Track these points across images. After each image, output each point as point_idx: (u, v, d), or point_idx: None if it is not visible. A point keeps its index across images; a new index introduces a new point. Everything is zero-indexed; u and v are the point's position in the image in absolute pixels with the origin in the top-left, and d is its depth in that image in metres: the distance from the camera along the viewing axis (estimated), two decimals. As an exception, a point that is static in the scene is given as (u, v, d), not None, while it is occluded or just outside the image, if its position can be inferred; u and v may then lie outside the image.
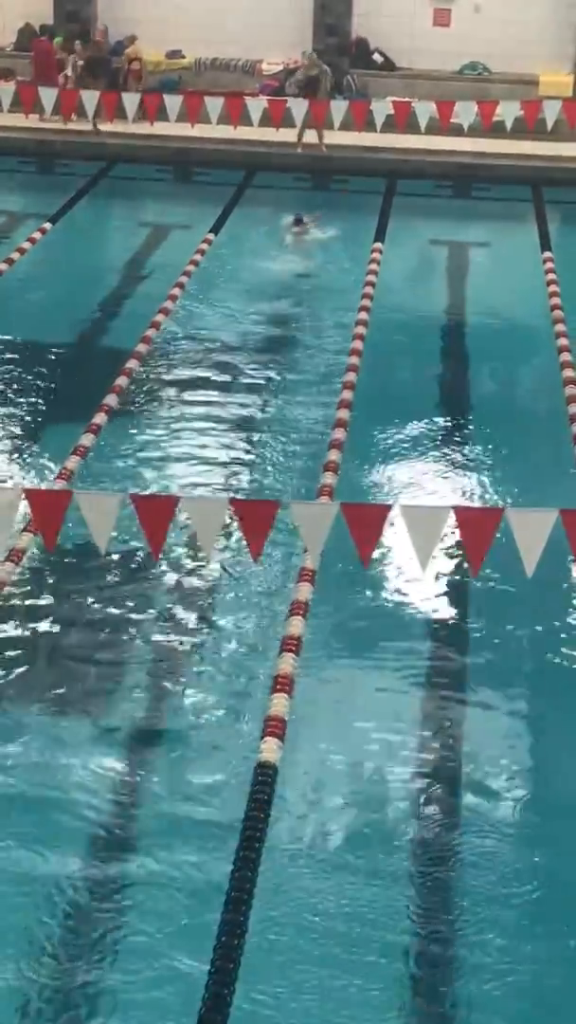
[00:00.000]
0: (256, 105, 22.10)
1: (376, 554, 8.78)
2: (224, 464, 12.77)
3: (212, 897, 7.32)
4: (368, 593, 10.48)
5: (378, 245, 19.20)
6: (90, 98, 22.67)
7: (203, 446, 13.16)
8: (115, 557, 10.61)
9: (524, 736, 9.11)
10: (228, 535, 10.22)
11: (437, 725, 9.16)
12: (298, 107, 22.28)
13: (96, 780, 8.48)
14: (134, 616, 10.26)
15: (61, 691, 9.36)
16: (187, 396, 14.33)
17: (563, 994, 7.09)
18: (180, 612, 10.30)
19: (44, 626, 10.08)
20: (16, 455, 12.85)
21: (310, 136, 23.43)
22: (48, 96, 22.84)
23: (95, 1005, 6.91)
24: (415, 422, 13.76)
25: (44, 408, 14.01)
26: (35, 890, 7.57)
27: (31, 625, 10.07)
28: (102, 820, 8.17)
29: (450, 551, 10.58)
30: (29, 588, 10.48)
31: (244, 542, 8.70)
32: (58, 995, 6.94)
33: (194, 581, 10.65)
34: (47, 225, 20.11)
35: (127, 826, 8.18)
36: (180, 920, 7.41)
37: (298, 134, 23.38)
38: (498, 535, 8.41)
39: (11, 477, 12.29)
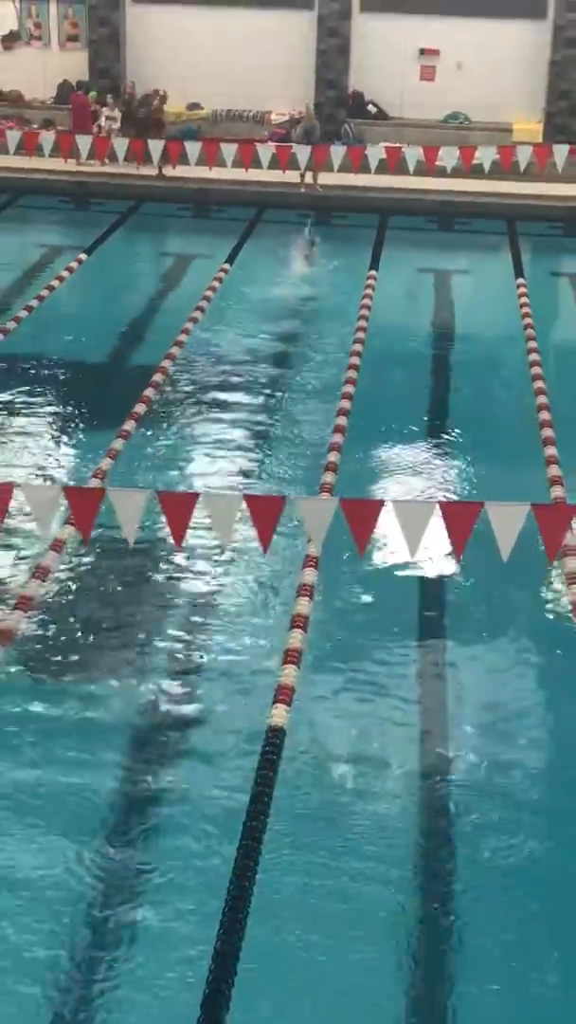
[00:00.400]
0: (265, 150, 22.10)
1: (371, 543, 8.74)
2: (238, 465, 12.75)
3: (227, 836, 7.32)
4: (365, 577, 10.47)
5: (373, 273, 19.16)
6: (121, 145, 22.65)
7: (219, 449, 13.14)
8: (142, 546, 10.59)
9: (503, 690, 9.13)
10: (242, 526, 10.20)
11: (426, 685, 9.17)
12: (302, 152, 22.27)
13: (123, 738, 8.49)
14: (158, 597, 10.25)
15: (96, 658, 9.35)
16: (205, 405, 14.31)
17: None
18: (199, 594, 10.29)
19: (81, 605, 10.07)
20: (56, 457, 12.85)
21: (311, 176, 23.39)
22: (84, 143, 22.84)
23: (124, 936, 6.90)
24: (405, 427, 13.74)
25: (80, 416, 13.99)
26: (57, 851, 7.51)
27: (71, 604, 10.06)
28: (117, 777, 8.16)
29: (436, 540, 10.56)
30: (69, 573, 10.47)
31: (255, 532, 8.68)
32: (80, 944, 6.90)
33: (211, 566, 10.64)
34: (83, 256, 20.08)
35: (148, 779, 8.17)
36: (196, 860, 7.39)
37: (301, 175, 23.35)
38: (478, 526, 8.40)
39: (52, 476, 12.28)
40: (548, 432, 12.89)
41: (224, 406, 14.31)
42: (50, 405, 14.24)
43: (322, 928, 6.99)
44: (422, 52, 26.68)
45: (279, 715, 8.21)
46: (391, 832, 7.71)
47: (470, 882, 7.37)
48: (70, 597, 10.17)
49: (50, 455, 12.90)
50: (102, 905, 7.11)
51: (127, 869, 7.37)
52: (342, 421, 13.13)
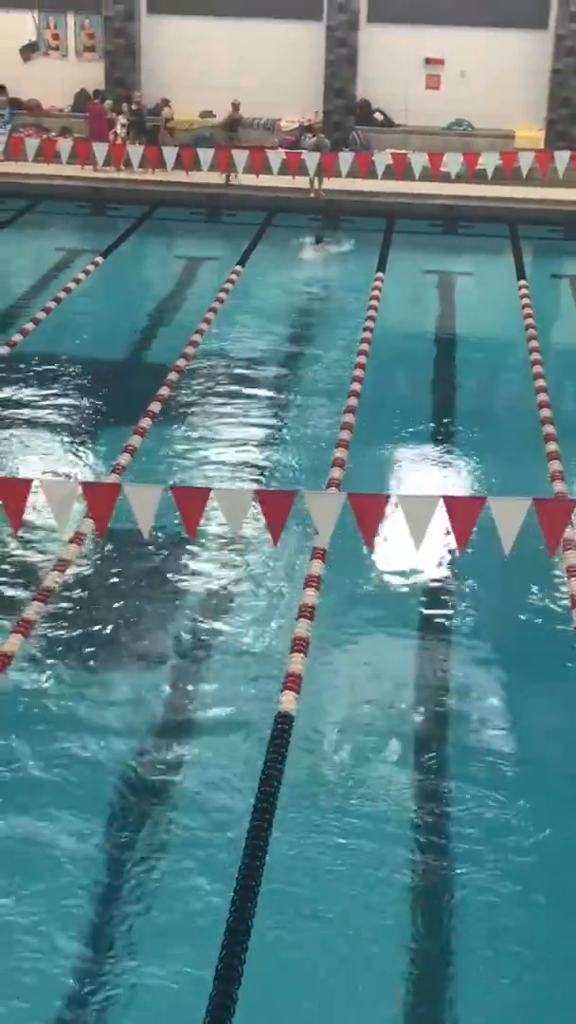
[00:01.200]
0: (276, 157, 22.06)
1: (377, 536, 8.75)
2: (249, 460, 12.76)
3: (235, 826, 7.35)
4: (371, 569, 10.49)
5: (379, 275, 19.15)
6: (136, 152, 22.66)
7: (231, 445, 13.16)
8: (157, 539, 10.62)
9: (504, 683, 9.11)
10: (252, 520, 10.21)
11: (429, 676, 9.18)
12: (311, 158, 22.26)
13: (130, 726, 8.51)
14: (172, 588, 10.28)
15: (110, 645, 9.39)
16: (218, 403, 14.32)
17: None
18: (211, 585, 10.32)
19: (99, 593, 10.11)
20: (75, 454, 12.87)
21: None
22: (100, 150, 22.88)
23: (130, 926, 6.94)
24: (410, 424, 13.74)
25: (98, 413, 14.01)
26: (62, 850, 7.47)
27: (87, 594, 10.10)
28: (140, 759, 8.19)
29: (440, 533, 10.57)
30: (87, 565, 10.51)
31: (266, 525, 8.70)
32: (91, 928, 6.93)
33: (224, 559, 10.66)
34: (99, 259, 20.10)
35: (156, 766, 8.20)
36: (205, 847, 7.42)
37: (310, 181, 23.34)
38: (480, 520, 8.40)
39: (72, 473, 12.30)
40: (549, 429, 12.90)
41: (236, 404, 14.32)
42: (68, 403, 14.26)
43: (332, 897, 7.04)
44: (427, 61, 26.65)
45: (287, 701, 8.24)
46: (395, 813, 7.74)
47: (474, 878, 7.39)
48: (87, 588, 10.20)
49: (69, 452, 12.92)
50: (109, 888, 7.15)
51: (136, 850, 7.41)
52: (349, 419, 13.14)
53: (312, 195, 23.52)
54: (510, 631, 9.82)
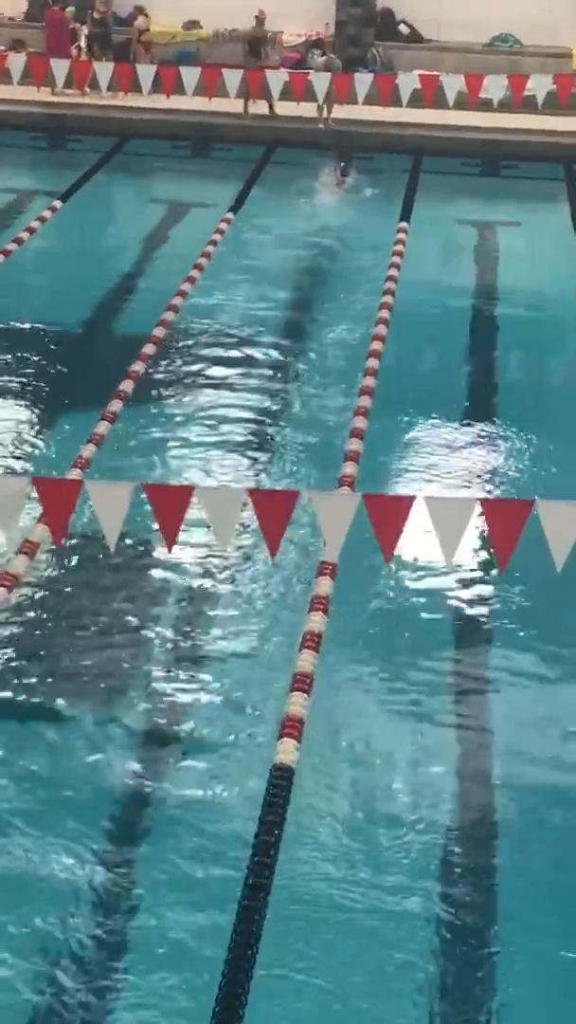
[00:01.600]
0: (276, 79, 22.10)
1: (399, 548, 8.75)
2: (242, 453, 12.78)
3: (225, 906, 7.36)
4: (391, 589, 10.49)
5: (403, 225, 19.20)
6: (104, 70, 22.70)
7: (221, 434, 13.17)
8: (127, 550, 10.62)
9: (553, 740, 9.12)
10: (245, 526, 10.22)
11: (463, 721, 9.18)
12: (320, 81, 22.27)
13: (102, 781, 8.51)
14: (146, 611, 10.27)
15: (71, 686, 9.38)
16: (205, 382, 14.35)
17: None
18: (194, 607, 10.32)
19: (55, 620, 10.10)
20: (28, 444, 12.88)
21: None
22: (60, 68, 22.89)
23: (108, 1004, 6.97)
24: (440, 410, 13.76)
25: (57, 395, 14.01)
26: (43, 891, 7.61)
27: (42, 619, 10.10)
28: (105, 824, 8.19)
29: (476, 545, 10.58)
30: (41, 582, 10.51)
31: (262, 534, 8.70)
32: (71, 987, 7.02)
33: (210, 574, 10.67)
34: (57, 203, 20.14)
35: (134, 826, 8.21)
36: (192, 926, 7.43)
37: (319, 108, 23.39)
38: (527, 528, 8.41)
39: (23, 467, 12.31)
40: (612, 416, 12.95)
41: (226, 383, 14.34)
42: (18, 382, 14.27)
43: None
44: (464, -39, 26.77)
45: (286, 751, 8.23)
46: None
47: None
48: (39, 610, 10.20)
49: (20, 441, 12.93)
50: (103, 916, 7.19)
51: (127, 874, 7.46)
52: (365, 402, 13.16)
53: (321, 126, 23.58)
54: (564, 668, 9.82)
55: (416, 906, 7.61)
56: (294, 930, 7.35)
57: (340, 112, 23.25)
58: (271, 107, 23.79)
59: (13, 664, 9.55)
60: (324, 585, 9.94)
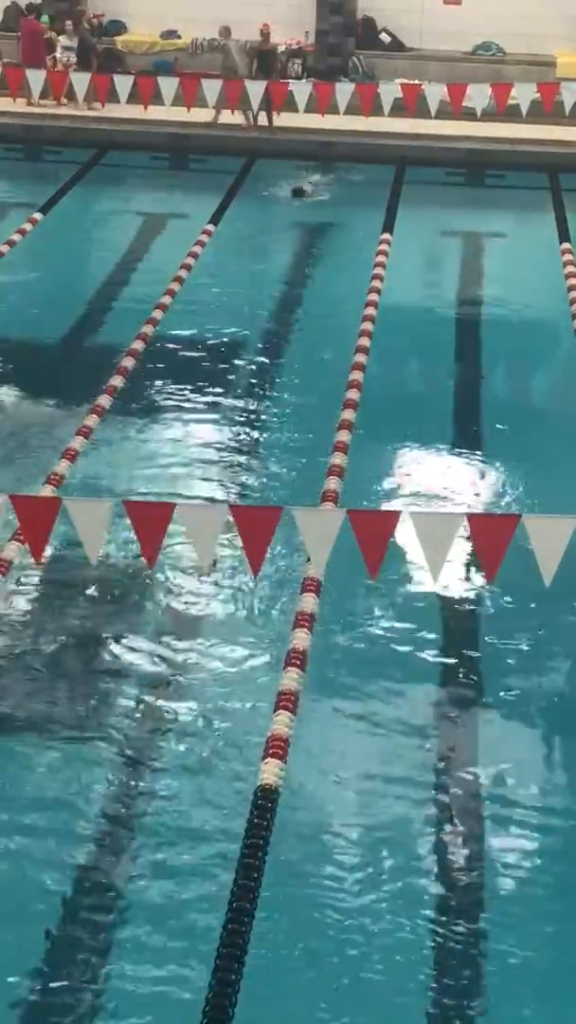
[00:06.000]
0: (256, 88, 22.13)
1: (384, 564, 8.75)
2: (224, 469, 12.77)
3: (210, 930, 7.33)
4: (376, 605, 10.48)
5: (386, 236, 19.22)
6: (81, 80, 22.71)
7: (201, 450, 13.16)
8: (107, 568, 10.59)
9: (539, 755, 9.11)
10: (227, 543, 10.20)
11: (450, 740, 9.17)
12: (299, 90, 22.28)
13: (81, 801, 8.48)
14: (127, 631, 10.24)
15: (49, 709, 9.35)
16: (185, 397, 14.33)
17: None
18: (176, 625, 10.30)
19: (32, 641, 10.07)
20: (2, 460, 12.85)
21: (314, 120, 23.46)
22: (36, 79, 22.88)
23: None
24: (425, 423, 13.77)
25: (32, 410, 14.01)
26: (32, 908, 7.62)
27: (18, 640, 10.07)
28: (86, 845, 8.17)
29: (463, 560, 10.58)
30: (16, 601, 10.48)
31: (244, 551, 8.68)
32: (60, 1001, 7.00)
33: (191, 592, 10.65)
34: (36, 216, 20.14)
35: (116, 847, 8.18)
36: (176, 949, 7.41)
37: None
38: (514, 542, 8.41)
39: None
40: (599, 429, 12.97)
41: (208, 398, 14.33)
42: (-5, 396, 14.29)
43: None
44: (446, -31, 26.87)
45: (271, 772, 8.21)
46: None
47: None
48: (17, 630, 10.17)
49: (-5, 457, 12.93)
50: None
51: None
52: (349, 416, 13.16)
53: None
54: (552, 683, 9.82)
55: (407, 932, 7.61)
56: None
57: (325, 122, 23.23)
58: (270, 121, 23.77)
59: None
60: (309, 602, 9.93)
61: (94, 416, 13.10)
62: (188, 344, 15.75)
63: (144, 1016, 7.05)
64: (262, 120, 23.85)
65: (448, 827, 8.41)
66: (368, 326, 15.59)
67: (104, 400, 13.49)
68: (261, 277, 18.37)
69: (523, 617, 10.34)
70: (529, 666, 9.96)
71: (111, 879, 7.95)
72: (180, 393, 14.41)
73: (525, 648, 10.13)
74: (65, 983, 7.23)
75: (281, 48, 26.81)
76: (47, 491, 11.34)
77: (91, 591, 10.61)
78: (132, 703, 9.44)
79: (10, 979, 7.22)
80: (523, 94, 21.39)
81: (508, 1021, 7.14)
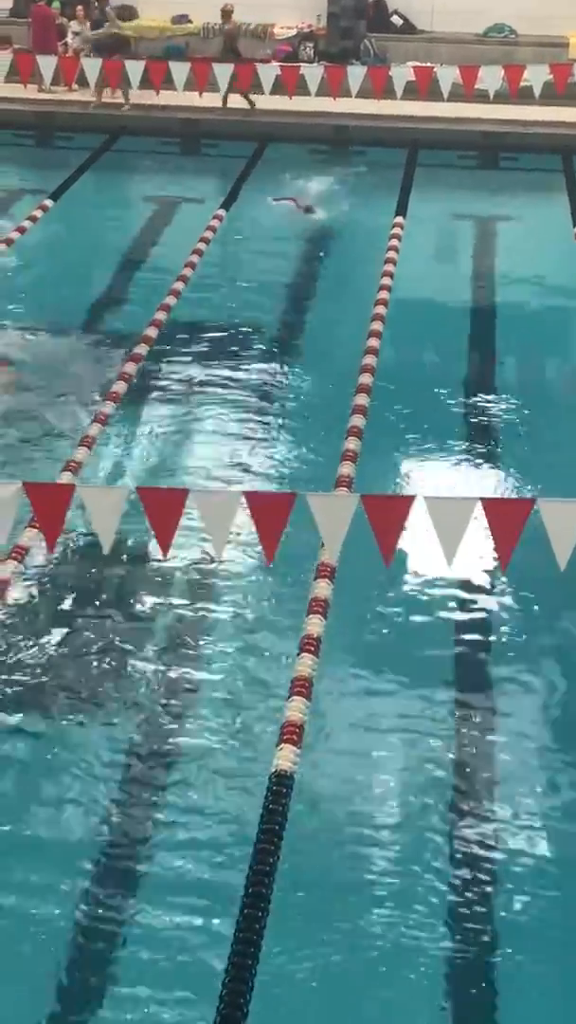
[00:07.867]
0: (268, 72, 22.07)
1: (399, 549, 8.77)
2: (237, 455, 12.78)
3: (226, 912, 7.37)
4: (391, 590, 10.50)
5: (399, 220, 19.19)
6: (92, 66, 22.68)
7: (215, 436, 13.19)
8: (121, 555, 10.62)
9: (554, 743, 9.12)
10: (241, 530, 10.22)
11: (465, 727, 9.18)
12: (311, 74, 22.22)
13: (98, 787, 8.53)
14: (142, 616, 10.29)
15: (65, 695, 9.40)
16: (198, 383, 14.35)
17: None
18: (191, 611, 10.33)
19: (47, 627, 10.11)
20: (18, 447, 12.88)
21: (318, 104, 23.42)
22: (47, 65, 22.83)
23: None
24: (439, 408, 13.76)
25: (47, 398, 14.01)
26: (45, 904, 7.67)
27: (34, 627, 10.11)
28: (103, 831, 8.22)
29: (477, 545, 10.59)
30: (32, 587, 10.52)
31: (258, 537, 8.71)
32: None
33: (205, 579, 10.68)
34: (48, 202, 20.13)
35: (132, 834, 8.23)
36: (192, 934, 7.46)
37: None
38: (528, 527, 8.42)
39: (11, 471, 12.29)
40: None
41: (221, 384, 14.34)
42: (10, 384, 14.28)
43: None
44: (458, -50, 26.78)
45: (286, 758, 8.25)
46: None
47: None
48: (30, 617, 10.21)
49: (10, 445, 12.93)
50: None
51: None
52: (362, 400, 13.16)
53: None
54: (570, 668, 9.83)
55: (424, 930, 7.64)
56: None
57: (332, 105, 23.17)
58: (250, 103, 23.73)
59: (11, 673, 9.57)
60: (323, 588, 9.95)
61: (109, 404, 13.12)
62: (201, 331, 15.74)
63: (161, 992, 7.12)
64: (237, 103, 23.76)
65: (463, 813, 8.43)
66: (381, 310, 15.58)
67: (119, 387, 13.49)
68: (273, 262, 18.34)
69: (538, 602, 10.35)
70: (545, 652, 9.98)
71: (126, 861, 8.02)
72: (193, 378, 14.42)
73: (541, 634, 10.15)
74: (80, 955, 7.34)
75: (292, 32, 26.78)
76: (65, 478, 11.35)
77: (105, 577, 10.64)
78: (144, 687, 9.47)
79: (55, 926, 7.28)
80: (536, 76, 21.28)
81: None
